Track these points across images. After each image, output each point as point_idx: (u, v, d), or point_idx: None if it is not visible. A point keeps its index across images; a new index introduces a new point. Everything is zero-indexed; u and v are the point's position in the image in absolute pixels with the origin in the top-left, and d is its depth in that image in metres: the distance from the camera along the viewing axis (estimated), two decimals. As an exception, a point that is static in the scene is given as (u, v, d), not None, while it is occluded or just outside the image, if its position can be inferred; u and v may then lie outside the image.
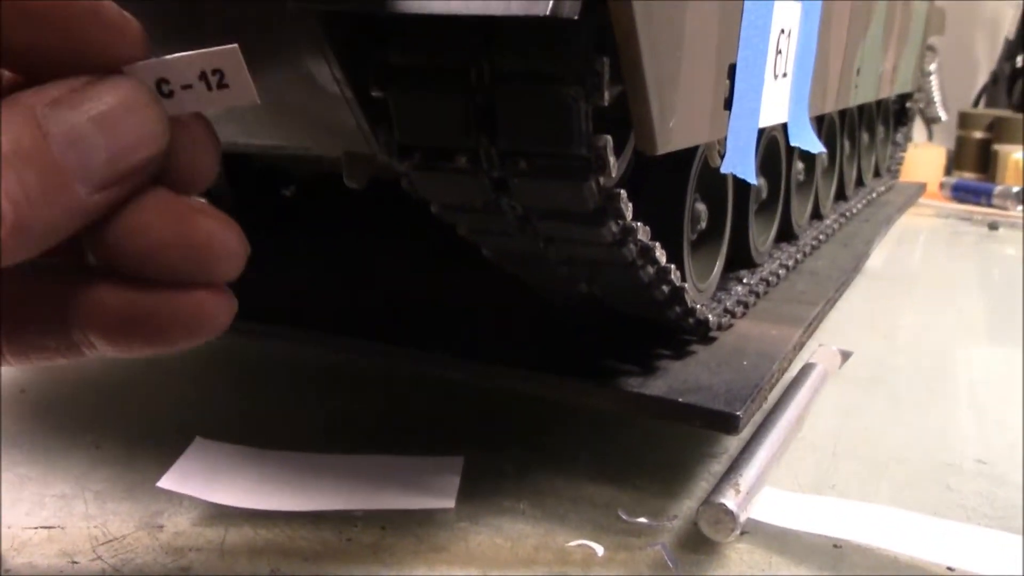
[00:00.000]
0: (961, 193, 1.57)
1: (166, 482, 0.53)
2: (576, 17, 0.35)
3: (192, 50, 0.32)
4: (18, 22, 0.30)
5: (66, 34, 0.31)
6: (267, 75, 0.43)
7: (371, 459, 0.57)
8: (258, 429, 0.61)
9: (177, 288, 0.37)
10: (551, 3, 0.35)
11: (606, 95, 0.39)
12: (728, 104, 0.51)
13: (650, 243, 0.49)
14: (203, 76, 0.33)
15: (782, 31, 0.58)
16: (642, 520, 0.52)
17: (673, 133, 0.44)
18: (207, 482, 0.53)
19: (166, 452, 0.56)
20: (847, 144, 1.06)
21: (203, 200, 0.40)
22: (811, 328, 0.69)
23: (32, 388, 0.69)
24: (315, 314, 0.67)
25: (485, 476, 0.56)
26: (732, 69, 0.51)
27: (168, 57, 0.33)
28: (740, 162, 0.54)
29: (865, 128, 1.16)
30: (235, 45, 0.32)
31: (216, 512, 0.51)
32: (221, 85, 0.33)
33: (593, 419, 0.64)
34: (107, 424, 0.63)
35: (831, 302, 0.76)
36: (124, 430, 0.62)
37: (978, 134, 1.85)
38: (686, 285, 0.55)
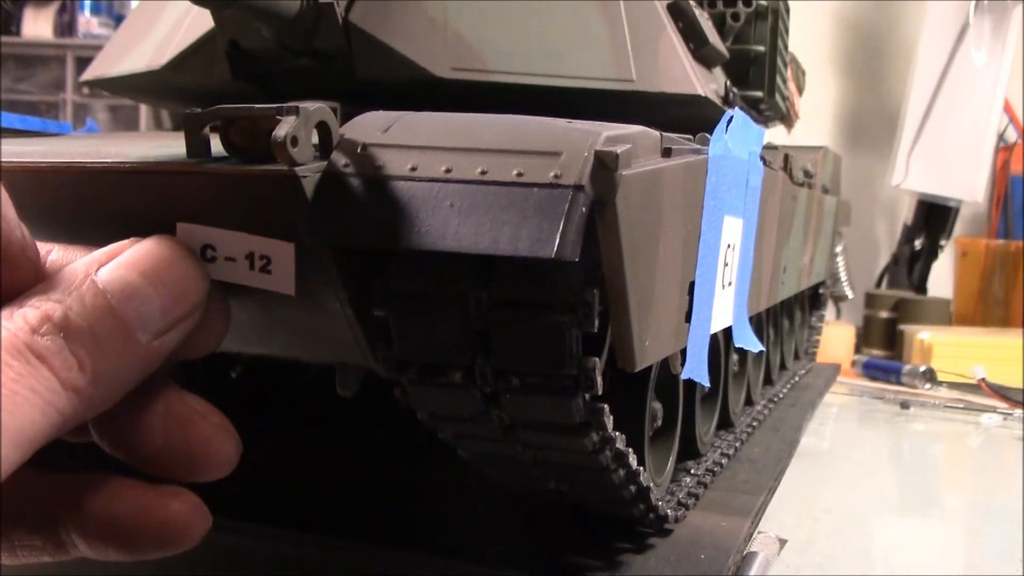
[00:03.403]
0: (872, 371, 1.65)
1: None
2: (577, 259, 0.39)
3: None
4: None
5: None
6: (269, 291, 0.46)
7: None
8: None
9: (154, 498, 0.39)
10: (556, 246, 0.38)
11: (596, 323, 0.43)
12: (688, 317, 0.56)
13: (625, 449, 0.52)
14: (250, 256, 0.37)
15: (728, 245, 0.63)
16: None
17: (648, 350, 0.48)
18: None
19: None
20: (772, 332, 1.12)
21: (205, 403, 0.42)
22: (757, 518, 0.72)
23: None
24: (263, 505, 0.67)
25: None
26: (692, 286, 0.55)
27: (223, 229, 0.36)
28: (697, 368, 0.58)
29: (786, 315, 1.23)
30: (293, 243, 0.36)
31: None
32: (264, 270, 0.37)
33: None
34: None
35: (771, 491, 0.79)
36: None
37: (884, 314, 1.96)
38: (651, 485, 0.58)
